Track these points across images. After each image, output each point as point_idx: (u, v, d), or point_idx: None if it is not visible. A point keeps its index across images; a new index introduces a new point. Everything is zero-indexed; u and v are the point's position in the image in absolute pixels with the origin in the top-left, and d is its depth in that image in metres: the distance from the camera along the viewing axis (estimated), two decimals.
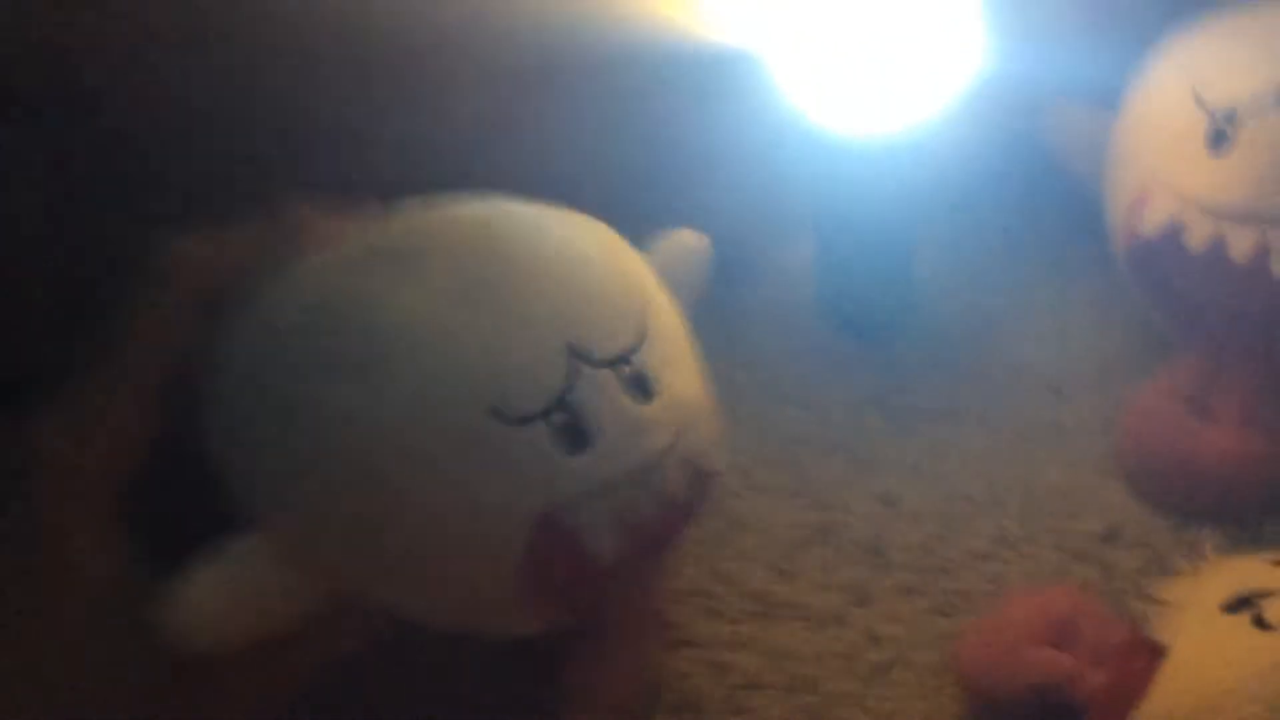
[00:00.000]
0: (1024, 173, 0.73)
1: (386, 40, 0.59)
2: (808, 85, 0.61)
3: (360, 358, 0.44)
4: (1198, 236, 0.56)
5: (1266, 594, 0.44)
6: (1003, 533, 0.60)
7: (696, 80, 0.65)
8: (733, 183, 0.69)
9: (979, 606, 0.57)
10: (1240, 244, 0.55)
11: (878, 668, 0.56)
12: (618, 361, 0.45)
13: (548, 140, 0.66)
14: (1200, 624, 0.45)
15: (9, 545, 0.49)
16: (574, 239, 0.48)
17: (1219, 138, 0.57)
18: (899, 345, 0.69)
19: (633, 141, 0.67)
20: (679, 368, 0.48)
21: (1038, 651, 0.50)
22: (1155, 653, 0.46)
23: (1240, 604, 0.44)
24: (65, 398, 0.49)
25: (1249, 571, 0.47)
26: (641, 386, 0.46)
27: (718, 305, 0.70)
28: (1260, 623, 0.43)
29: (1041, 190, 0.73)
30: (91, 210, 0.59)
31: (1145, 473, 0.61)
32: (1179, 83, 0.59)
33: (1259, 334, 0.58)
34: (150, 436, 0.48)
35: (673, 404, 0.47)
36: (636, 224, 0.70)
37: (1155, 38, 0.63)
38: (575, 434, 0.44)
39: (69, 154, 0.58)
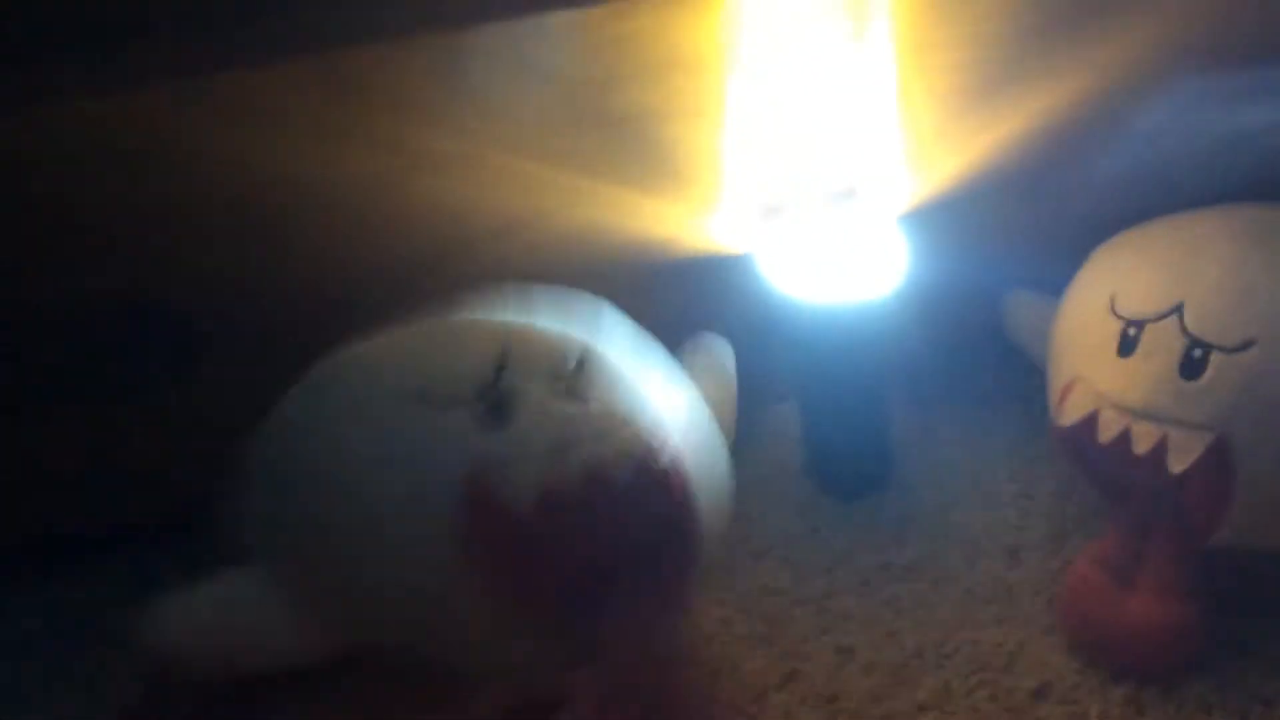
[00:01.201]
0: (995, 347, 0.81)
1: (429, 243, 0.71)
2: (784, 273, 0.71)
3: (318, 405, 0.55)
4: (1107, 429, 0.64)
5: None
6: (946, 686, 0.68)
7: (695, 276, 0.75)
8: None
9: None
10: (1142, 438, 0.63)
11: None
12: (550, 374, 0.55)
13: None
14: None
15: None
16: (527, 304, 0.59)
17: (1127, 344, 0.65)
18: (872, 505, 0.78)
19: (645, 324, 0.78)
20: (628, 397, 0.57)
21: None
22: None
23: None
24: None
25: None
26: (574, 394, 0.55)
27: None
28: None
29: (1011, 364, 0.81)
30: None
31: (1077, 637, 0.68)
32: (1100, 291, 0.68)
33: (1168, 516, 0.65)
34: None
35: (607, 413, 0.55)
36: None
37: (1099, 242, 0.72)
38: (500, 414, 0.53)
39: None
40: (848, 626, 0.71)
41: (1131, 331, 0.65)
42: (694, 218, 0.71)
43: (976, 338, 0.80)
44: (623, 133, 0.64)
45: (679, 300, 0.76)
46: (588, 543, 0.54)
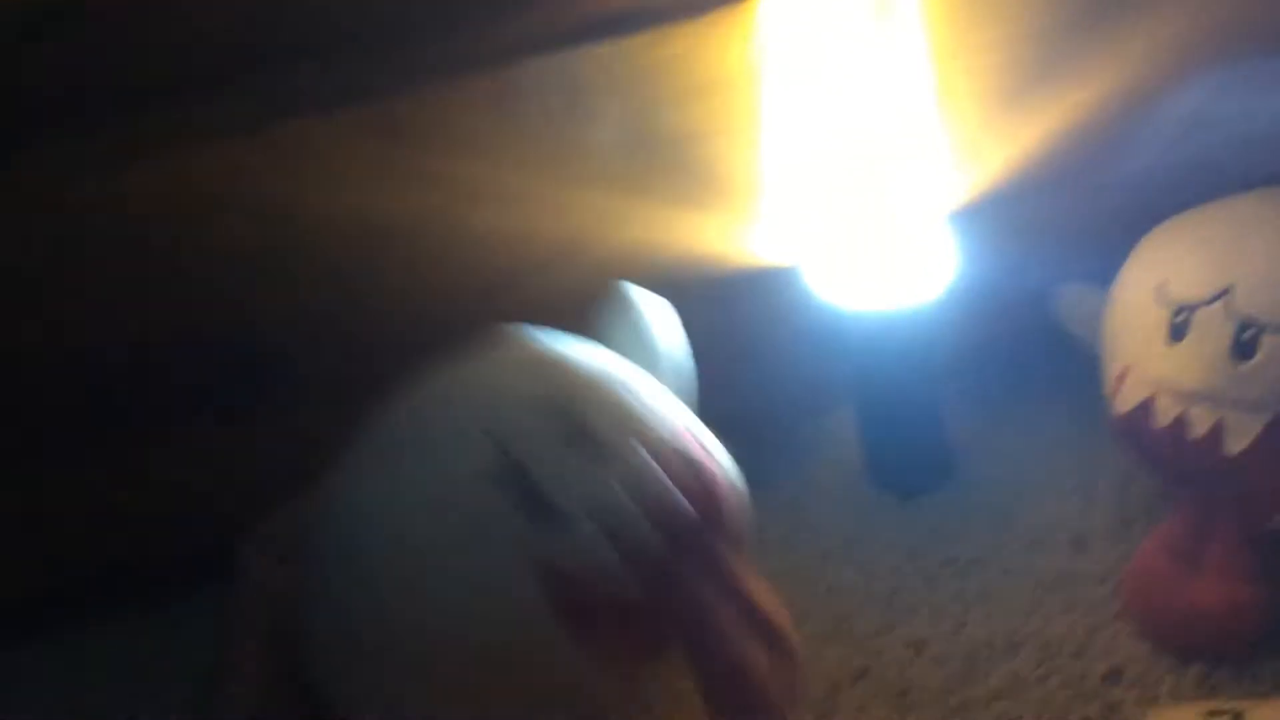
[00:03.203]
0: (1050, 341, 0.82)
1: (487, 273, 0.74)
2: (832, 281, 0.73)
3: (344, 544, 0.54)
4: (1163, 415, 0.65)
5: None
6: (1016, 674, 0.69)
7: (744, 290, 0.77)
8: (782, 367, 0.81)
9: None
10: (1199, 421, 0.63)
11: None
12: (560, 438, 0.53)
13: None
14: None
15: None
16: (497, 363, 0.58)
17: (1178, 329, 0.65)
18: (935, 502, 0.79)
19: (694, 341, 0.80)
20: (625, 417, 0.55)
21: None
22: None
23: None
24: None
25: None
26: (588, 449, 0.52)
27: (774, 471, 0.83)
28: None
29: (1066, 357, 0.82)
30: None
31: (1145, 620, 0.68)
32: (1148, 279, 0.68)
33: (1229, 498, 0.65)
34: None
35: (624, 447, 0.53)
36: (704, 405, 0.83)
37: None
38: (533, 498, 0.51)
39: None
40: (916, 621, 0.72)
41: (1181, 317, 0.65)
42: (741, 233, 0.73)
43: (1031, 331, 0.81)
44: (668, 154, 0.66)
45: (728, 316, 0.78)
46: (680, 577, 0.54)
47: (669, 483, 0.54)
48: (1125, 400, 0.67)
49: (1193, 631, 0.66)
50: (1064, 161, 0.71)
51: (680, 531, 0.54)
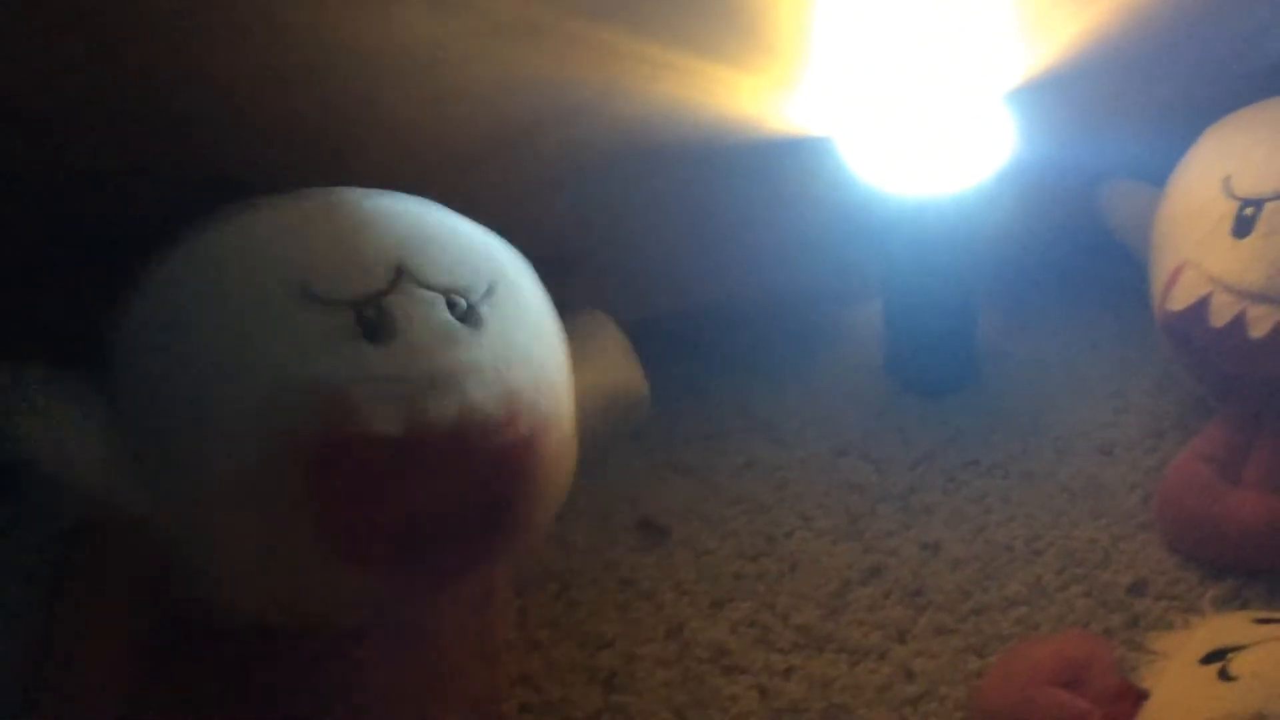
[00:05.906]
0: (1088, 241, 0.77)
1: (501, 123, 0.68)
2: (871, 158, 0.68)
3: (188, 275, 0.52)
4: (1221, 313, 0.61)
5: (1238, 648, 0.49)
6: (1037, 580, 0.65)
7: (775, 161, 0.72)
8: (808, 249, 0.76)
9: (1008, 648, 0.62)
10: (1259, 322, 0.59)
11: (909, 700, 0.61)
12: (450, 292, 0.51)
13: (653, 214, 0.74)
14: (1179, 674, 0.50)
15: None
16: (451, 217, 0.56)
17: (1243, 224, 0.61)
18: (958, 402, 0.75)
19: (720, 214, 0.75)
20: (526, 335, 0.53)
21: (1045, 692, 0.55)
22: (1140, 698, 0.50)
23: (1214, 656, 0.49)
24: None
25: (1230, 627, 0.51)
26: (469, 319, 0.51)
27: (793, 363, 0.78)
28: (1224, 674, 0.47)
29: (1105, 258, 0.77)
30: None
31: (1178, 532, 0.65)
32: (1212, 172, 0.64)
33: (1277, 408, 0.61)
34: None
35: (500, 344, 0.51)
36: (722, 284, 0.78)
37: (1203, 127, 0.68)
38: (379, 328, 0.49)
39: None
40: (933, 522, 0.68)
41: (1249, 211, 0.61)
42: (776, 95, 0.67)
43: (1074, 227, 0.76)
44: None
45: (754, 189, 0.73)
46: (438, 486, 0.50)
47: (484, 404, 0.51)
48: (1179, 298, 0.63)
49: (1227, 545, 0.63)
50: (1132, 42, 0.66)
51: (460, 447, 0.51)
